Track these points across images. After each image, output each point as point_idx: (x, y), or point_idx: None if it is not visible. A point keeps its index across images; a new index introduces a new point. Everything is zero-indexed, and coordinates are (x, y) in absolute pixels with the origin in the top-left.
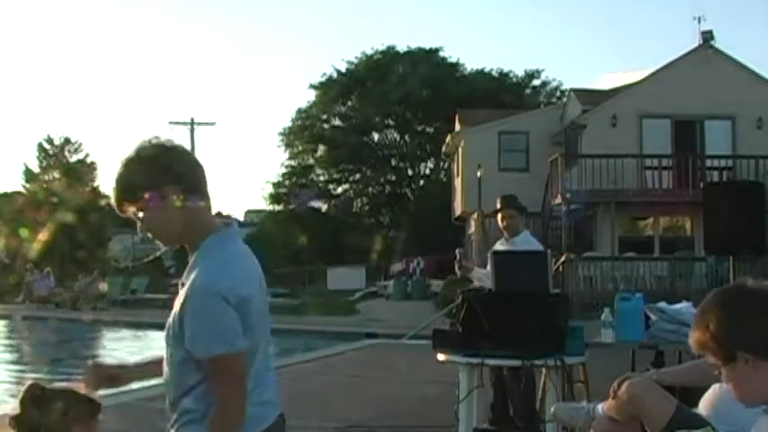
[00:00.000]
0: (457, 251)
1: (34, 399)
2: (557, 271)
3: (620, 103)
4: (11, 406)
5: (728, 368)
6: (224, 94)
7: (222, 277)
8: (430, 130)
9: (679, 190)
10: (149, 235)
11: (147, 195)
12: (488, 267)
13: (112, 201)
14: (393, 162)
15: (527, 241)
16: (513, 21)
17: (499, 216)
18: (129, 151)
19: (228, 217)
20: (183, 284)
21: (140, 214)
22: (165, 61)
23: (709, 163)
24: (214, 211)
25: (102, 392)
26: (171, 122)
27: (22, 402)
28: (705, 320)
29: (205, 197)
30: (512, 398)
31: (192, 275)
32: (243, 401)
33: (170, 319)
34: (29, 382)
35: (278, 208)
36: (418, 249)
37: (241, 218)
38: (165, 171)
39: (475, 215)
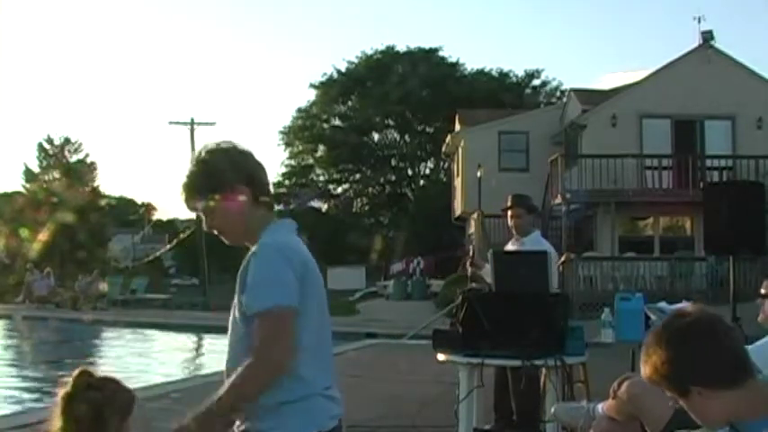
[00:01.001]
0: (470, 247)
1: (87, 385)
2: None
3: (620, 103)
4: (61, 392)
5: (685, 400)
6: (224, 94)
7: (285, 241)
8: (430, 130)
9: (679, 190)
10: (215, 231)
11: (221, 193)
12: (488, 267)
13: (183, 197)
14: (393, 162)
15: (536, 242)
16: (513, 21)
17: (508, 214)
18: (200, 151)
19: (287, 215)
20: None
21: (211, 211)
22: (165, 61)
23: (709, 163)
24: None
25: None
26: (171, 122)
27: (75, 387)
28: (653, 360)
29: (269, 196)
30: (513, 398)
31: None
32: (286, 360)
33: (235, 301)
34: (78, 369)
35: (278, 208)
36: (418, 249)
37: None
38: (239, 170)
39: (475, 215)
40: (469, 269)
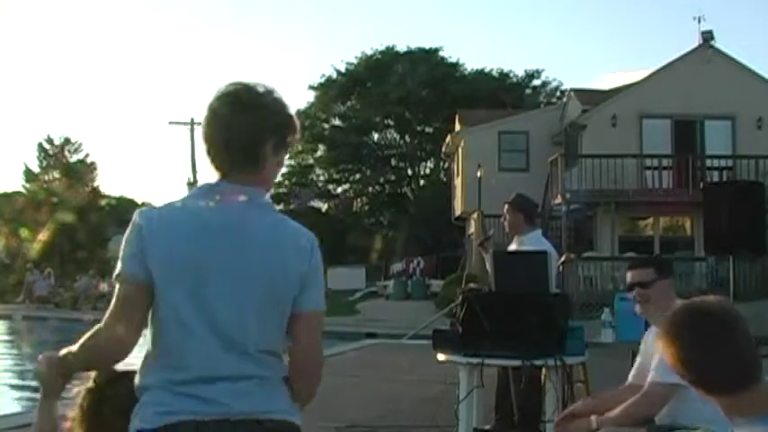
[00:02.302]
0: (491, 231)
1: (107, 380)
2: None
3: (620, 103)
4: (81, 385)
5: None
6: None
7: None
8: (430, 130)
9: (679, 190)
10: (268, 179)
11: (294, 135)
12: (488, 266)
13: (242, 143)
14: (393, 162)
15: (536, 241)
16: (513, 21)
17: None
18: (266, 88)
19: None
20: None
21: (278, 156)
22: (165, 61)
23: (709, 163)
24: None
25: None
26: (171, 122)
27: (97, 380)
28: (671, 353)
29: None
30: (513, 398)
31: (288, 226)
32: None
33: (267, 281)
34: None
35: (278, 208)
36: (418, 249)
37: None
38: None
39: (475, 215)
40: (480, 250)
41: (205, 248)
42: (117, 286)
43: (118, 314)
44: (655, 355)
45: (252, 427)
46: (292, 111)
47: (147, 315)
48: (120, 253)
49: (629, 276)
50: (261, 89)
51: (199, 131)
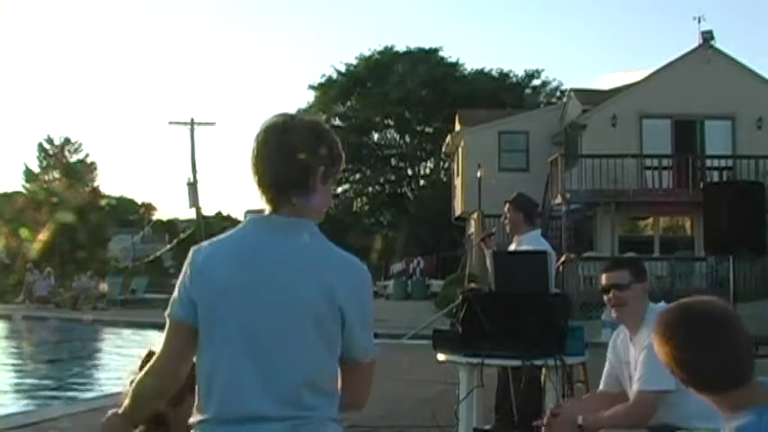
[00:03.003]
0: (493, 229)
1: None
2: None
3: (620, 103)
4: (130, 374)
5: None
6: (224, 94)
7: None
8: (430, 130)
9: (679, 190)
10: (318, 209)
11: (340, 165)
12: (488, 266)
13: (291, 175)
14: (393, 162)
15: (535, 241)
16: (513, 21)
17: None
18: (312, 119)
19: None
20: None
21: (326, 186)
22: (165, 61)
23: (709, 163)
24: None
25: (101, 392)
26: (171, 122)
27: (141, 369)
28: (665, 351)
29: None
30: (513, 398)
31: (335, 257)
32: None
33: (313, 311)
34: (147, 350)
35: None
36: (418, 249)
37: (241, 218)
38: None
39: (475, 215)
40: (481, 245)
41: (249, 284)
42: (167, 325)
43: (166, 353)
44: (635, 364)
45: None
46: (338, 141)
47: (193, 353)
48: (174, 293)
49: (603, 279)
50: (307, 120)
51: (199, 132)
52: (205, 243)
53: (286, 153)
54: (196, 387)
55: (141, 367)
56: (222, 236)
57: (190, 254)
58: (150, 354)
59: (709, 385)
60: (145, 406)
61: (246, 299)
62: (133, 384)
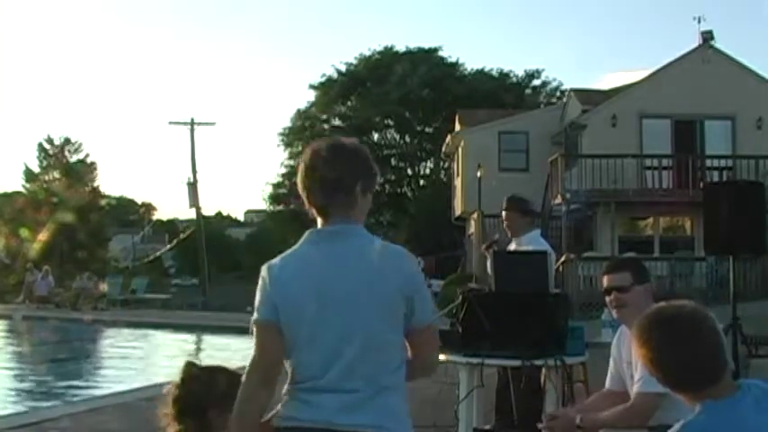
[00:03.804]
0: (496, 236)
1: (192, 376)
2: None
3: (620, 103)
4: (169, 384)
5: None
6: (224, 94)
7: None
8: (430, 130)
9: (679, 190)
10: (361, 216)
11: (377, 177)
12: (488, 266)
13: (340, 191)
14: (393, 162)
15: (535, 241)
16: (513, 21)
17: (503, 216)
18: (352, 141)
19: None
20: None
21: (367, 196)
22: (165, 61)
23: (709, 163)
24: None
25: (101, 392)
26: (171, 122)
27: (181, 379)
28: (642, 354)
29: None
30: (513, 398)
31: (388, 251)
32: None
33: (381, 298)
34: (185, 362)
35: (278, 208)
36: (418, 249)
37: (241, 218)
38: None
39: (475, 215)
40: (486, 254)
41: (320, 283)
42: (256, 331)
43: (265, 352)
44: (637, 364)
45: None
46: (372, 159)
47: (284, 348)
48: (256, 303)
49: (605, 281)
50: (346, 142)
51: (199, 132)
52: (276, 259)
53: (331, 173)
54: (291, 359)
55: (183, 380)
56: (289, 251)
57: (264, 269)
58: (190, 363)
59: (683, 385)
60: (259, 414)
61: (325, 293)
62: (241, 401)
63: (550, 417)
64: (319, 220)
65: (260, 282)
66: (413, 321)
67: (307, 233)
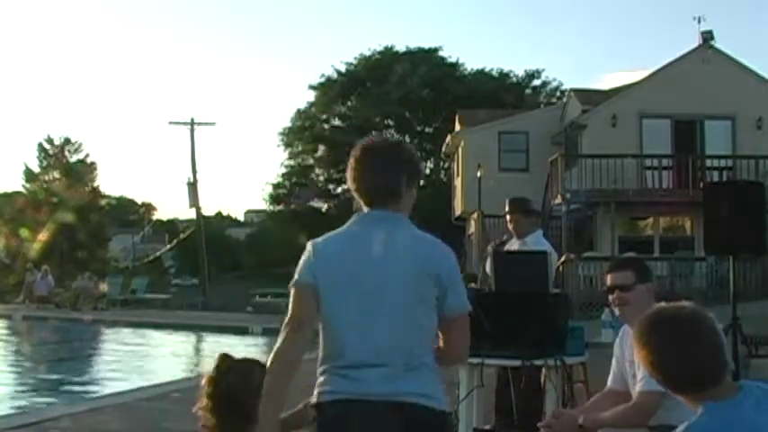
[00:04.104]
0: (504, 237)
1: (227, 368)
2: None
3: (620, 103)
4: (205, 377)
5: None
6: (224, 94)
7: None
8: (430, 130)
9: (679, 190)
10: (406, 207)
11: (420, 173)
12: (488, 266)
13: (390, 182)
14: None
15: (538, 242)
16: (513, 21)
17: (507, 219)
18: (397, 139)
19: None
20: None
21: (411, 189)
22: (165, 61)
23: (709, 163)
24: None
25: (101, 392)
26: (171, 122)
27: (217, 371)
28: (642, 356)
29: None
30: (513, 398)
31: (426, 241)
32: None
33: (417, 281)
34: (220, 354)
35: (278, 208)
36: None
37: (241, 218)
38: None
39: (475, 215)
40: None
41: (359, 262)
42: (293, 293)
43: (300, 310)
44: (639, 363)
45: (391, 408)
46: (417, 154)
47: (316, 310)
48: (296, 271)
49: (608, 279)
50: (392, 139)
51: (199, 132)
52: (319, 238)
53: (379, 167)
54: (321, 342)
55: (219, 373)
56: (334, 231)
57: (309, 244)
58: (225, 356)
59: (683, 387)
60: (292, 372)
61: (362, 272)
62: (278, 346)
63: (554, 415)
64: (365, 209)
65: (304, 255)
66: (444, 309)
67: (354, 216)
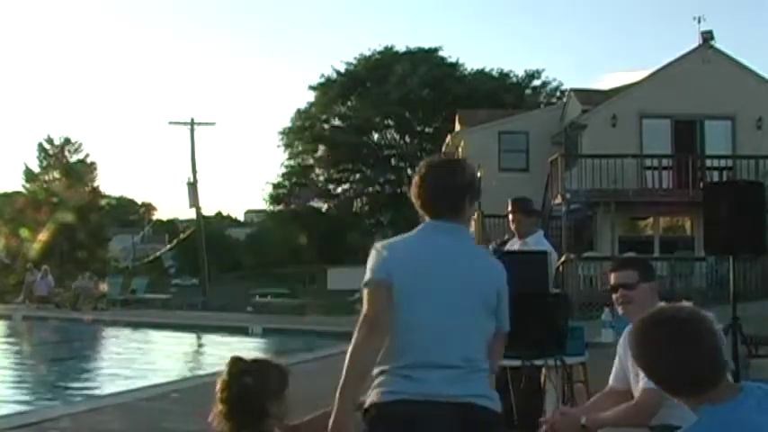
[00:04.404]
0: (506, 236)
1: (240, 371)
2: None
3: (620, 103)
4: (218, 381)
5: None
6: (224, 94)
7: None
8: (430, 130)
9: (679, 190)
10: (467, 220)
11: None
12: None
13: (456, 196)
14: (393, 162)
15: (539, 242)
16: (513, 21)
17: (509, 218)
18: (458, 159)
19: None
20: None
21: (473, 205)
22: (165, 61)
23: (709, 163)
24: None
25: (101, 392)
26: (171, 122)
27: (229, 375)
28: (639, 362)
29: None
30: (513, 398)
31: (485, 255)
32: None
33: (481, 291)
34: (232, 357)
35: (278, 208)
36: None
37: (241, 218)
38: None
39: (475, 215)
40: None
41: (429, 266)
42: (368, 291)
43: (377, 308)
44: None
45: (455, 409)
46: (476, 171)
47: (391, 308)
48: (367, 270)
49: (612, 278)
50: (455, 160)
51: (199, 132)
52: (386, 240)
53: (443, 184)
54: (388, 341)
55: (233, 376)
56: (400, 236)
57: (380, 244)
58: (237, 359)
59: (681, 389)
60: (369, 370)
61: (435, 275)
62: (355, 347)
63: (558, 414)
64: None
65: (374, 254)
66: (499, 321)
67: (422, 224)
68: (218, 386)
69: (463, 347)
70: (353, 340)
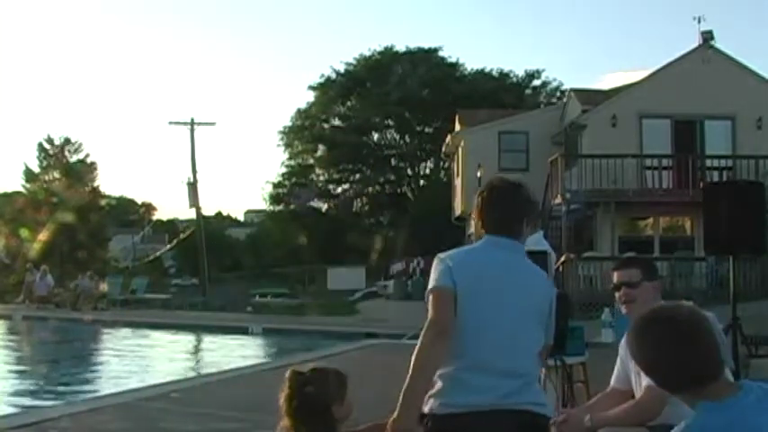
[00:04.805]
0: None
1: (300, 383)
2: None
3: (620, 103)
4: (281, 397)
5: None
6: (224, 94)
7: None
8: (430, 130)
9: (679, 190)
10: (524, 238)
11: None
12: None
13: (517, 216)
14: (393, 162)
15: (538, 242)
16: (513, 21)
17: None
18: (518, 181)
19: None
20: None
21: (529, 226)
22: (165, 61)
23: (709, 163)
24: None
25: (101, 392)
26: (171, 122)
27: (291, 388)
28: (638, 360)
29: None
30: None
31: (538, 272)
32: None
33: (537, 305)
34: (290, 370)
35: (278, 208)
36: (418, 249)
37: (241, 218)
38: None
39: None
40: None
41: (492, 277)
42: (433, 297)
43: (443, 313)
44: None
45: (516, 416)
46: (532, 193)
47: (455, 315)
48: (432, 279)
49: (615, 276)
50: (517, 182)
51: (199, 132)
52: (449, 251)
53: (506, 205)
54: (454, 344)
55: (294, 390)
56: (463, 248)
57: (445, 255)
58: (295, 372)
59: (680, 387)
60: (433, 374)
61: (500, 287)
62: (420, 350)
63: (561, 418)
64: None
65: (439, 264)
66: (547, 336)
67: (486, 237)
68: (282, 400)
69: (525, 356)
70: (419, 344)
